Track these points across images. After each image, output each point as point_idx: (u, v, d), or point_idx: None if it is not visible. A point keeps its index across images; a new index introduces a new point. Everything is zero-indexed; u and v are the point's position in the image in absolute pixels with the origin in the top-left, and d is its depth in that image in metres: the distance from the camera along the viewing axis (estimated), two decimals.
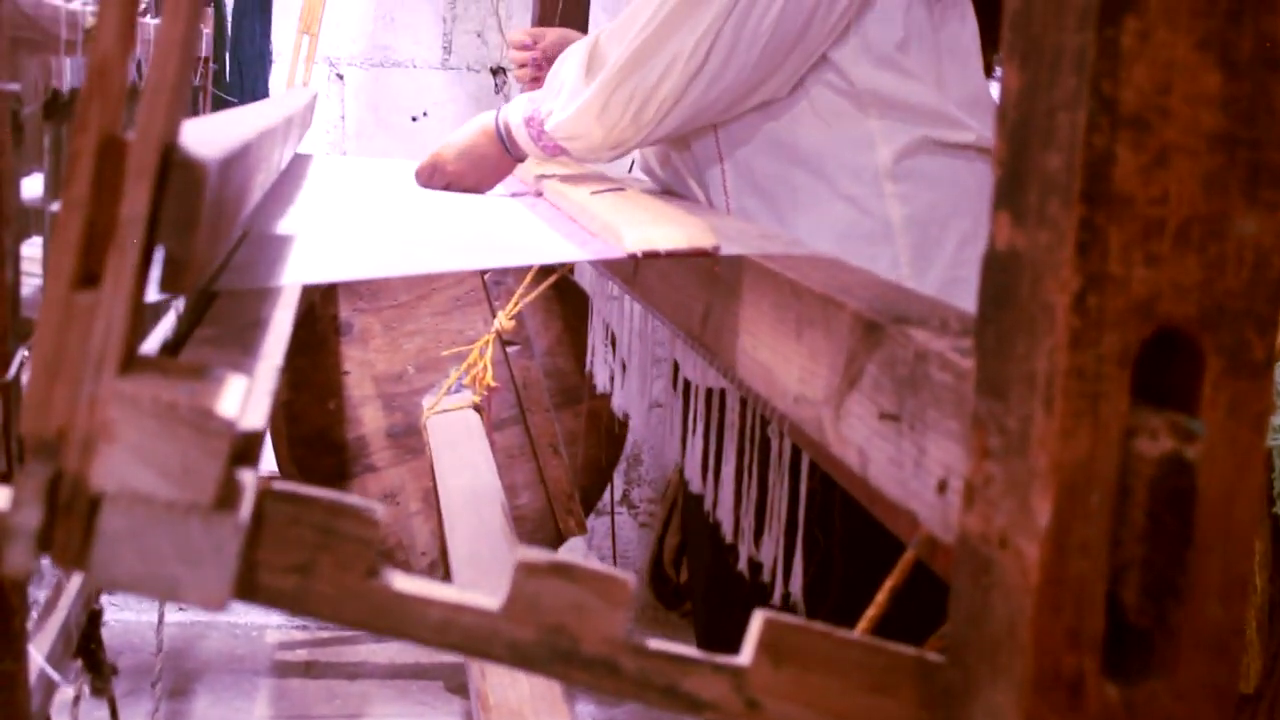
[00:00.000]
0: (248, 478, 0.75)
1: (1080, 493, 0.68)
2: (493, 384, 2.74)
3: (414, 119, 3.51)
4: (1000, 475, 0.72)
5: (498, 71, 3.47)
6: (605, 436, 2.97)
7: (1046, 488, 0.68)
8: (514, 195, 1.93)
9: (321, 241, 1.34)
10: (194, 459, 0.69)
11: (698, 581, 2.06)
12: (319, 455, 2.90)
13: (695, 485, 1.64)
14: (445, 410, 2.74)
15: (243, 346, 1.01)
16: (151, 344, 1.06)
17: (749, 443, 1.47)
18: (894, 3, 1.65)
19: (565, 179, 1.82)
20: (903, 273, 1.65)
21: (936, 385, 0.83)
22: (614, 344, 2.29)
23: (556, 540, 2.97)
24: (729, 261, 1.28)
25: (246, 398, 0.79)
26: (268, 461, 3.15)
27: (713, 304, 1.34)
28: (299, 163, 2.20)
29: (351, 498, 0.82)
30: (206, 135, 0.90)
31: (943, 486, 0.81)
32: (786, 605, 1.34)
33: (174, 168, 0.70)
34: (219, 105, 2.95)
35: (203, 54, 2.65)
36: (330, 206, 1.66)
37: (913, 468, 0.86)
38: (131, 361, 0.72)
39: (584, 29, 2.89)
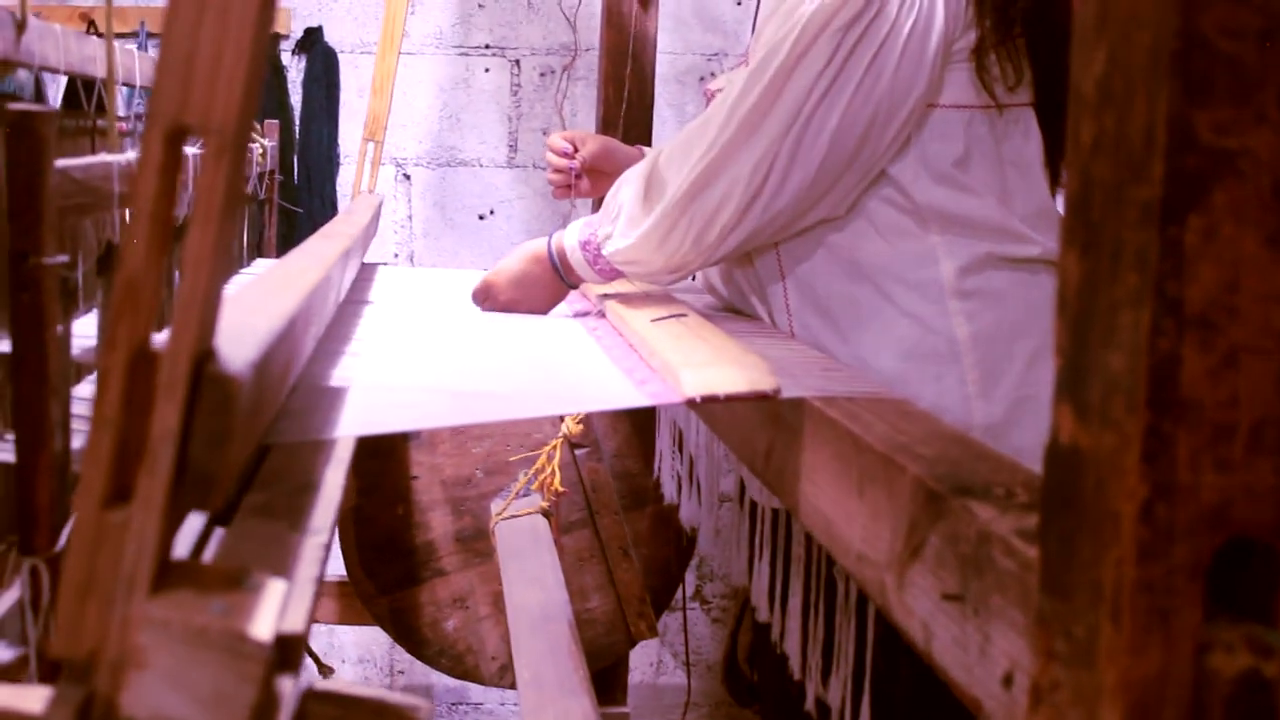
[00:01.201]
0: (288, 686, 0.73)
1: (1152, 710, 0.65)
2: (560, 489, 2.72)
3: (481, 217, 3.52)
4: (1068, 682, 0.69)
5: None
6: (675, 537, 2.93)
7: (1115, 703, 0.65)
8: (577, 315, 1.91)
9: (376, 385, 1.32)
10: (227, 684, 0.67)
11: (766, 710, 2.02)
12: (388, 560, 2.88)
13: (763, 614, 1.61)
14: (513, 515, 2.72)
15: (291, 518, 0.99)
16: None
17: (815, 578, 1.44)
18: (954, 118, 1.63)
19: (626, 300, 1.81)
20: (969, 391, 1.62)
21: (1001, 571, 0.80)
22: (681, 444, 2.27)
23: (628, 644, 2.93)
24: (791, 402, 1.25)
25: (285, 603, 0.77)
26: (336, 566, 3.15)
27: (775, 444, 1.31)
28: (362, 279, 2.20)
29: (395, 696, 0.80)
30: (249, 316, 0.89)
31: (1008, 680, 0.78)
32: None
33: (206, 382, 0.68)
34: (285, 216, 2.97)
35: (268, 167, 2.66)
36: (388, 335, 1.65)
37: (977, 654, 0.83)
38: (165, 572, 0.70)
39: (648, 130, 2.88)
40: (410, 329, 1.75)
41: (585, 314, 1.94)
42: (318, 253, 1.40)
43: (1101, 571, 0.66)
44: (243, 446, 0.73)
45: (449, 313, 1.93)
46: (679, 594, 3.18)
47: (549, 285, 1.85)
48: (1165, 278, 0.63)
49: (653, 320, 1.61)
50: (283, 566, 0.88)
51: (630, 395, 1.31)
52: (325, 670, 3.11)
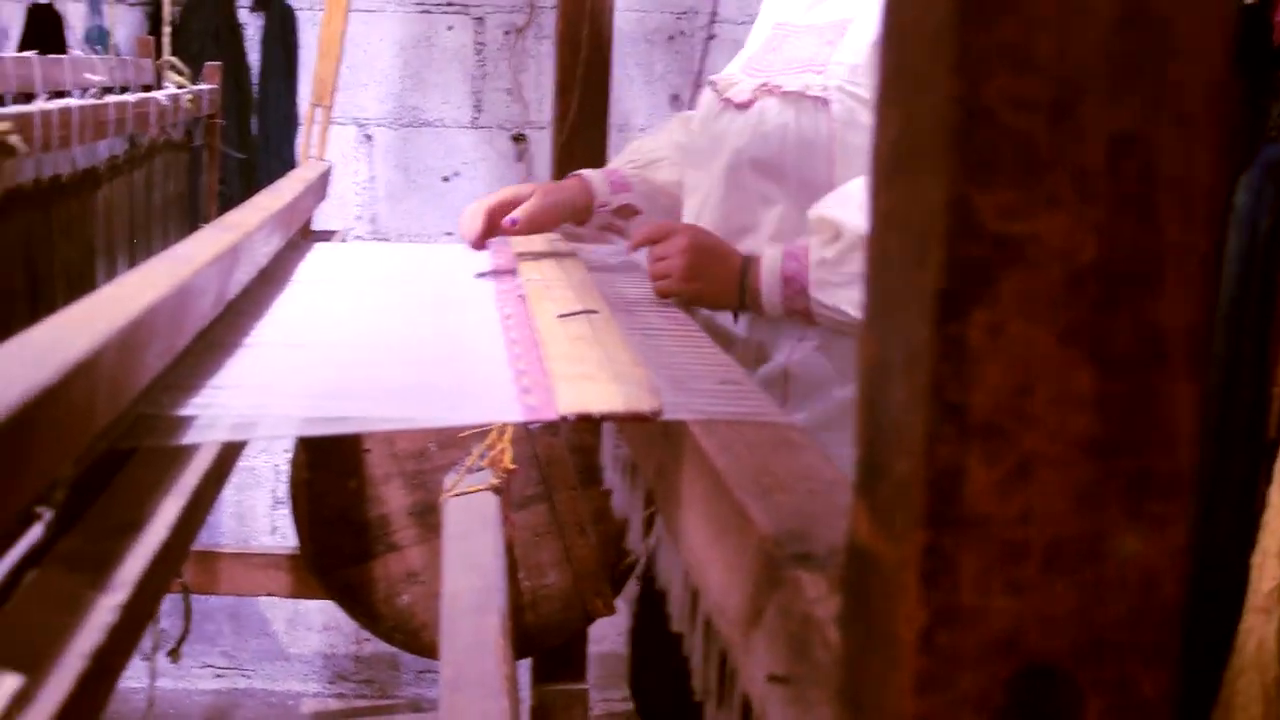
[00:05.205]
0: None
1: None
2: (511, 466, 2.65)
3: (445, 179, 3.43)
4: None
5: (519, 138, 3.39)
6: None
7: None
8: (497, 271, 1.91)
9: (244, 382, 1.26)
10: None
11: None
12: (340, 535, 2.83)
13: (676, 622, 1.55)
14: (464, 492, 2.66)
15: (96, 571, 0.92)
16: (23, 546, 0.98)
17: None
18: None
19: (544, 285, 1.74)
20: None
21: (819, 663, 0.73)
22: None
23: (585, 621, 2.87)
24: (674, 423, 1.18)
25: (30, 696, 0.71)
26: (289, 540, 3.10)
27: (665, 463, 1.24)
28: (291, 258, 2.13)
29: None
30: (37, 355, 0.82)
31: None
32: None
33: None
34: (244, 173, 2.89)
35: (204, 112, 2.57)
36: (291, 325, 1.59)
37: None
38: None
39: (605, 93, 2.79)
40: (320, 314, 1.69)
41: (504, 272, 1.91)
42: (187, 255, 1.33)
43: (885, 697, 0.59)
44: None
45: (368, 293, 1.88)
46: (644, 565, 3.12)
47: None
48: (945, 381, 0.55)
49: (559, 315, 1.54)
50: (60, 640, 0.82)
51: (508, 408, 1.24)
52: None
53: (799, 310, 1.73)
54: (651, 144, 2.17)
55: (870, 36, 1.77)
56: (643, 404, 1.17)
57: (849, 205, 1.70)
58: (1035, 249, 0.55)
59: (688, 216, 1.97)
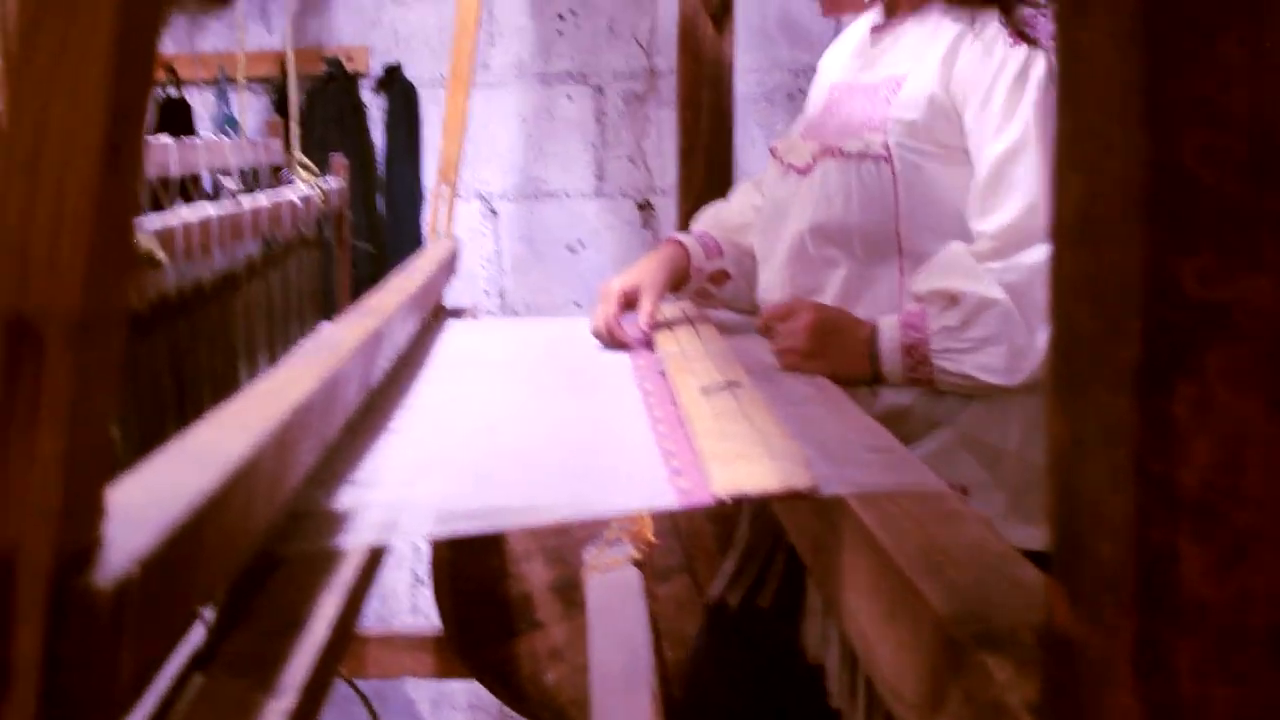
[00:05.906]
0: None
1: None
2: (652, 540, 2.62)
3: (570, 250, 3.44)
4: None
5: (644, 206, 3.38)
6: None
7: None
8: (632, 343, 1.93)
9: (390, 480, 1.26)
10: None
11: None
12: (483, 614, 2.81)
13: (837, 698, 1.51)
14: (604, 566, 2.63)
15: (262, 674, 0.91)
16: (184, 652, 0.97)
17: None
18: None
19: (684, 360, 1.72)
20: None
21: None
22: None
23: None
24: (831, 499, 1.15)
25: None
26: (431, 619, 3.09)
27: (822, 539, 1.21)
28: (428, 339, 2.13)
29: None
30: (189, 469, 0.81)
31: None
32: None
33: (68, 601, 0.60)
34: (371, 256, 2.92)
35: (334, 207, 2.60)
36: (429, 412, 1.58)
37: None
38: None
39: (729, 153, 2.78)
40: (459, 396, 1.68)
41: (640, 344, 1.94)
42: (332, 342, 1.33)
43: None
44: (138, 653, 0.65)
45: (504, 372, 1.87)
46: None
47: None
48: (1151, 458, 0.52)
49: (703, 390, 1.52)
50: None
51: (661, 493, 1.22)
52: None
53: (921, 379, 1.70)
54: (732, 208, 2.17)
55: (927, 90, 1.75)
56: (799, 480, 1.14)
57: (955, 273, 1.68)
58: (1240, 314, 0.52)
59: (762, 284, 1.96)
